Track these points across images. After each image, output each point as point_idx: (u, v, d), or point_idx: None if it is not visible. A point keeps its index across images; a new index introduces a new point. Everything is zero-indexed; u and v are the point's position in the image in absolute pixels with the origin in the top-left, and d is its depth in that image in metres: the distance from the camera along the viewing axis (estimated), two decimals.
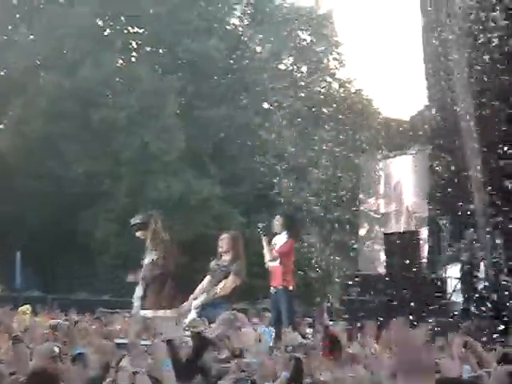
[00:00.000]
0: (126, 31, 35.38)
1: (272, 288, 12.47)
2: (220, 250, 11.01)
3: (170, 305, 10.61)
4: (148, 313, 10.43)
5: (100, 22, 34.47)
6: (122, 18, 34.99)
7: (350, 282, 18.90)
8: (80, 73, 31.09)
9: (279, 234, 12.59)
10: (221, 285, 10.78)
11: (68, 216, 29.96)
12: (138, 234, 10.83)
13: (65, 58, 32.08)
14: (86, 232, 30.17)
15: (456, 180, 18.12)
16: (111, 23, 34.98)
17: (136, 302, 10.81)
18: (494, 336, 14.20)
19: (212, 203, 31.45)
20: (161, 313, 10.51)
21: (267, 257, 12.49)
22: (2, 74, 32.42)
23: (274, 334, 11.41)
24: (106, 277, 30.24)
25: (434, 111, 19.43)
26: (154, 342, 5.59)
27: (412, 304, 16.05)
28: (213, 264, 11.09)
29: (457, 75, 17.19)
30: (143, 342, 5.52)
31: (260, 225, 12.82)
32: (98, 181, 30.53)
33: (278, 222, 12.72)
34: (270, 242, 12.59)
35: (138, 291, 10.81)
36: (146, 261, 10.69)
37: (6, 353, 7.70)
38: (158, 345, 5.36)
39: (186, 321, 10.34)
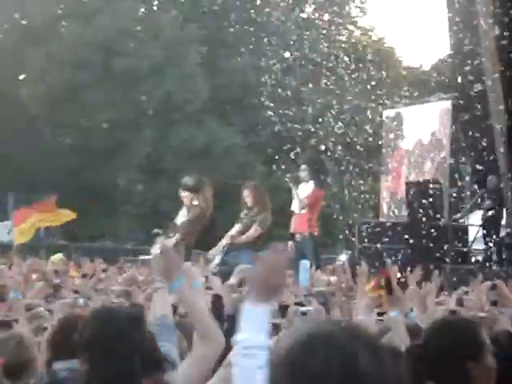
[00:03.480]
0: None
1: (297, 235, 12.72)
2: (245, 201, 11.17)
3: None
4: None
5: None
6: None
7: (370, 230, 18.90)
8: (101, 21, 31.03)
9: (305, 182, 12.80)
10: (246, 233, 11.00)
11: (91, 165, 30.13)
12: (183, 194, 10.67)
13: (86, 7, 31.98)
14: (110, 181, 30.36)
15: (479, 127, 18.04)
16: None
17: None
18: None
19: (235, 152, 31.50)
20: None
21: (296, 205, 12.71)
22: (24, 23, 32.39)
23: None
24: (129, 226, 30.47)
25: (457, 59, 19.27)
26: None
27: (433, 252, 16.12)
28: (242, 214, 11.29)
29: (482, 23, 17.00)
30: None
31: (288, 175, 13.04)
32: (121, 130, 30.61)
33: (304, 170, 12.91)
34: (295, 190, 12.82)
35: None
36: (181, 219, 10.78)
37: (37, 297, 7.86)
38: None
39: (212, 265, 10.57)
